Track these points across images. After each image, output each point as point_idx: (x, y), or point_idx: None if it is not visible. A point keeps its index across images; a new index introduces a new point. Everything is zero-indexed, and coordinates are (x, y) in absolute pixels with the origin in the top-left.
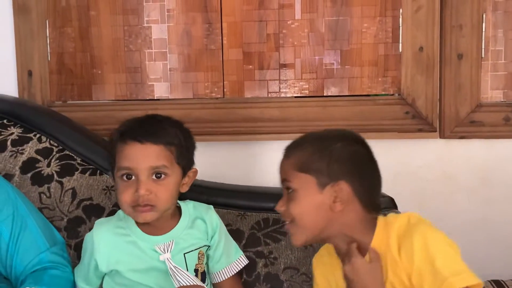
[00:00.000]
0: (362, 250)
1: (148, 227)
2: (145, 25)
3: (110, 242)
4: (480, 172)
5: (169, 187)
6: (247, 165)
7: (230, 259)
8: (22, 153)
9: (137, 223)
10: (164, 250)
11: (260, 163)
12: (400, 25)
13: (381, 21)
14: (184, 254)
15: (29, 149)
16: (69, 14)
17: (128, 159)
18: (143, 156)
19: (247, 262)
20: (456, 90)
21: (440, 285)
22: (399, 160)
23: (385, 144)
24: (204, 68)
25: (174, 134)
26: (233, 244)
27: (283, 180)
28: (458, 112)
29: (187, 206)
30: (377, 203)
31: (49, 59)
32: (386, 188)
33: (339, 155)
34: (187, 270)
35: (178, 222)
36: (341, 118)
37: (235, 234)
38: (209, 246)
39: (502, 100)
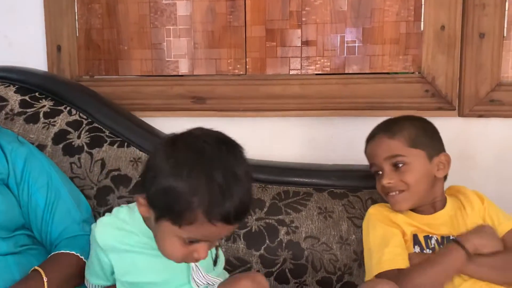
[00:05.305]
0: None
1: None
2: (170, 1)
3: (118, 249)
4: (497, 150)
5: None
6: (269, 141)
7: None
8: (54, 125)
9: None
10: None
11: (281, 139)
12: (423, 3)
13: None
14: None
15: (60, 121)
16: None
17: (210, 236)
18: (227, 232)
19: None
20: (476, 69)
21: None
22: None
23: None
24: (227, 45)
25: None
26: None
27: (394, 156)
28: (477, 91)
29: None
30: None
31: (77, 35)
32: None
33: (435, 132)
34: (211, 252)
35: None
36: (361, 95)
37: (256, 203)
38: None
39: None
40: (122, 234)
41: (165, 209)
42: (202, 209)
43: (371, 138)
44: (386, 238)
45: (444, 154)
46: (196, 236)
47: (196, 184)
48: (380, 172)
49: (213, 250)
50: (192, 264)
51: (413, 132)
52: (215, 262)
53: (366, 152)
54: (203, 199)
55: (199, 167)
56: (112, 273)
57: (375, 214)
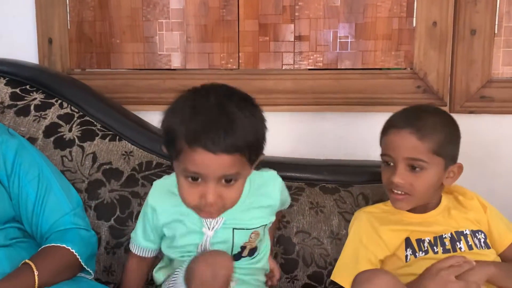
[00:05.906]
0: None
1: None
2: None
3: (165, 207)
4: (488, 146)
5: (240, 188)
6: None
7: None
8: (45, 118)
9: None
10: (210, 226)
11: (273, 134)
12: None
13: None
14: (233, 229)
15: (52, 114)
16: None
17: (197, 165)
18: (215, 165)
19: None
20: (467, 66)
21: None
22: None
23: None
24: (220, 39)
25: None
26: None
27: (416, 159)
28: (468, 87)
29: (248, 184)
30: None
31: (69, 27)
32: None
33: (459, 139)
34: (233, 245)
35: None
36: (354, 91)
37: None
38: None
39: None
40: (170, 202)
41: (165, 144)
42: (182, 133)
43: (396, 127)
44: (354, 256)
45: (459, 165)
46: (190, 167)
47: (182, 114)
48: (392, 164)
49: (245, 239)
50: (204, 241)
51: (442, 138)
52: (241, 254)
53: (382, 138)
54: (183, 126)
55: (189, 102)
56: (160, 235)
57: (359, 228)
